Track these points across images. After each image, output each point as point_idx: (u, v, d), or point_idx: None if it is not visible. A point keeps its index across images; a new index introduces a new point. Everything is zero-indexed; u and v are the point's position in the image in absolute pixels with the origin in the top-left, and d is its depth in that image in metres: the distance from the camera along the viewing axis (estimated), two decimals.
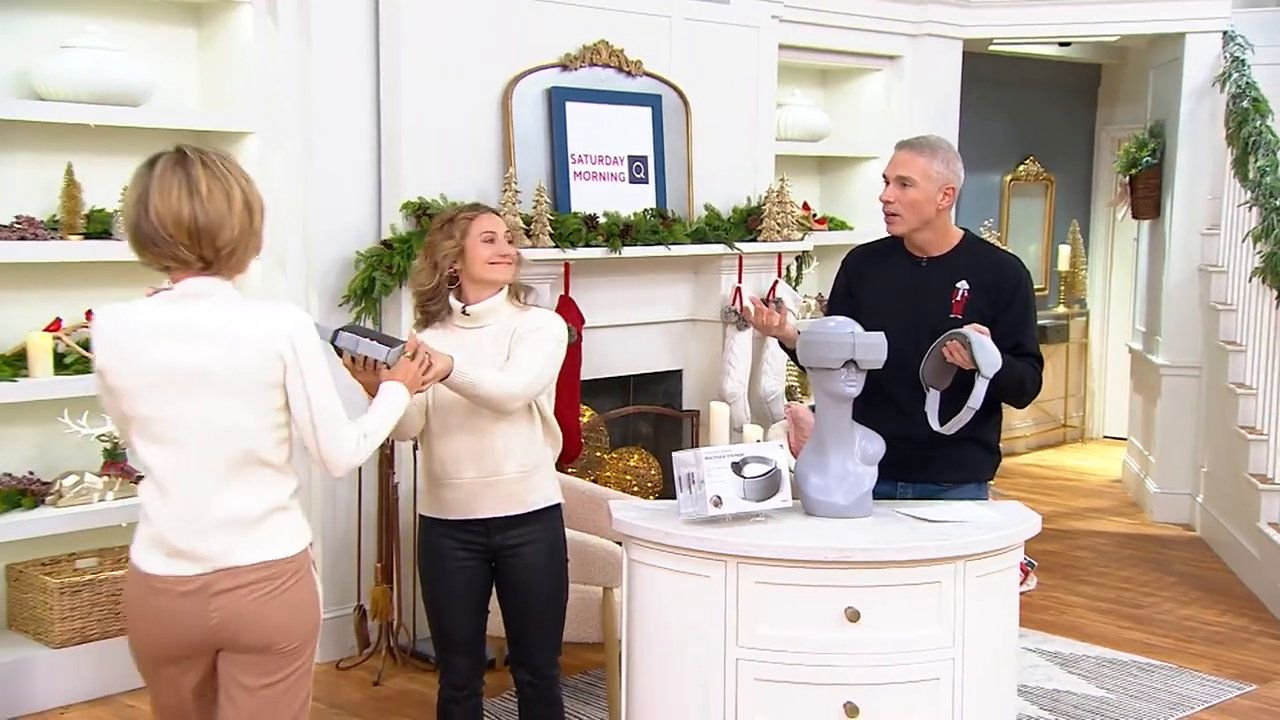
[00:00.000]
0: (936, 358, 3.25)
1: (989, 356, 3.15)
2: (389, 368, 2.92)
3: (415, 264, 3.46)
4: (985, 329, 3.24)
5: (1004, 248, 3.69)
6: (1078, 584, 5.99)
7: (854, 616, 2.82)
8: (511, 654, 3.49)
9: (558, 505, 3.42)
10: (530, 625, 3.40)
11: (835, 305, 3.61)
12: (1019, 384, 3.36)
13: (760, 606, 2.87)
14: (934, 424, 3.26)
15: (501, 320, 3.35)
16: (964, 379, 3.24)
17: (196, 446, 2.54)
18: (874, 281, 3.52)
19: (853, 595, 2.83)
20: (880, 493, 3.37)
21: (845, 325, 3.08)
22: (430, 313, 3.36)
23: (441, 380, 3.07)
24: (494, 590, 3.44)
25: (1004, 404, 3.47)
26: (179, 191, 2.50)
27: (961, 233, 3.51)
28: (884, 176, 3.48)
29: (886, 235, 3.57)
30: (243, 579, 2.56)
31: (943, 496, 3.36)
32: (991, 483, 3.53)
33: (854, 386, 3.07)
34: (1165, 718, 4.43)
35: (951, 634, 2.88)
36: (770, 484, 3.01)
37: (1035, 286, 3.79)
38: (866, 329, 3.11)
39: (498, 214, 3.48)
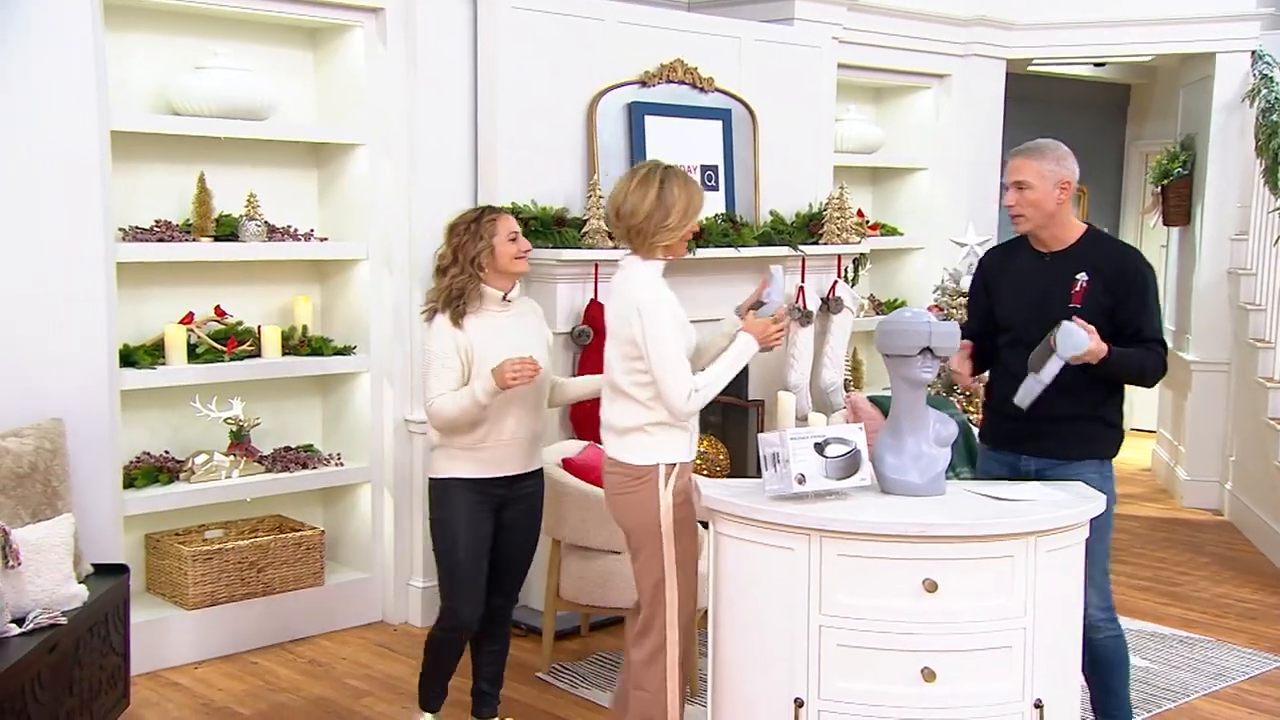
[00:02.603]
0: (1043, 347, 3.18)
1: (1070, 341, 3.10)
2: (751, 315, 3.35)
3: (441, 269, 3.52)
4: (1091, 327, 3.16)
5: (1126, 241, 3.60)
6: (1117, 563, 5.78)
7: (932, 587, 2.74)
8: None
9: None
10: None
11: (971, 301, 3.62)
12: (1137, 370, 3.31)
13: (842, 577, 2.80)
14: (1017, 399, 3.20)
15: (525, 305, 3.63)
16: (1072, 370, 3.17)
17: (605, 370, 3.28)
18: (1004, 277, 3.48)
19: (930, 567, 2.75)
20: (1005, 464, 3.36)
21: (922, 315, 3.01)
22: (461, 310, 3.46)
23: None
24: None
25: (1139, 384, 3.40)
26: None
27: (1084, 227, 3.42)
28: (1003, 185, 3.45)
29: (1015, 236, 3.52)
30: (609, 468, 3.25)
31: (1064, 471, 3.28)
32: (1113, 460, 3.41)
33: (929, 373, 2.99)
34: (1209, 687, 4.30)
35: (1023, 605, 2.79)
36: (850, 463, 2.94)
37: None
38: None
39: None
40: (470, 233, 3.48)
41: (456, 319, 3.45)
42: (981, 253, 6.23)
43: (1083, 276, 3.31)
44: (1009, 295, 3.41)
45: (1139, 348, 3.29)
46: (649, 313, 3.08)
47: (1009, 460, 3.38)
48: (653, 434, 3.18)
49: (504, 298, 3.52)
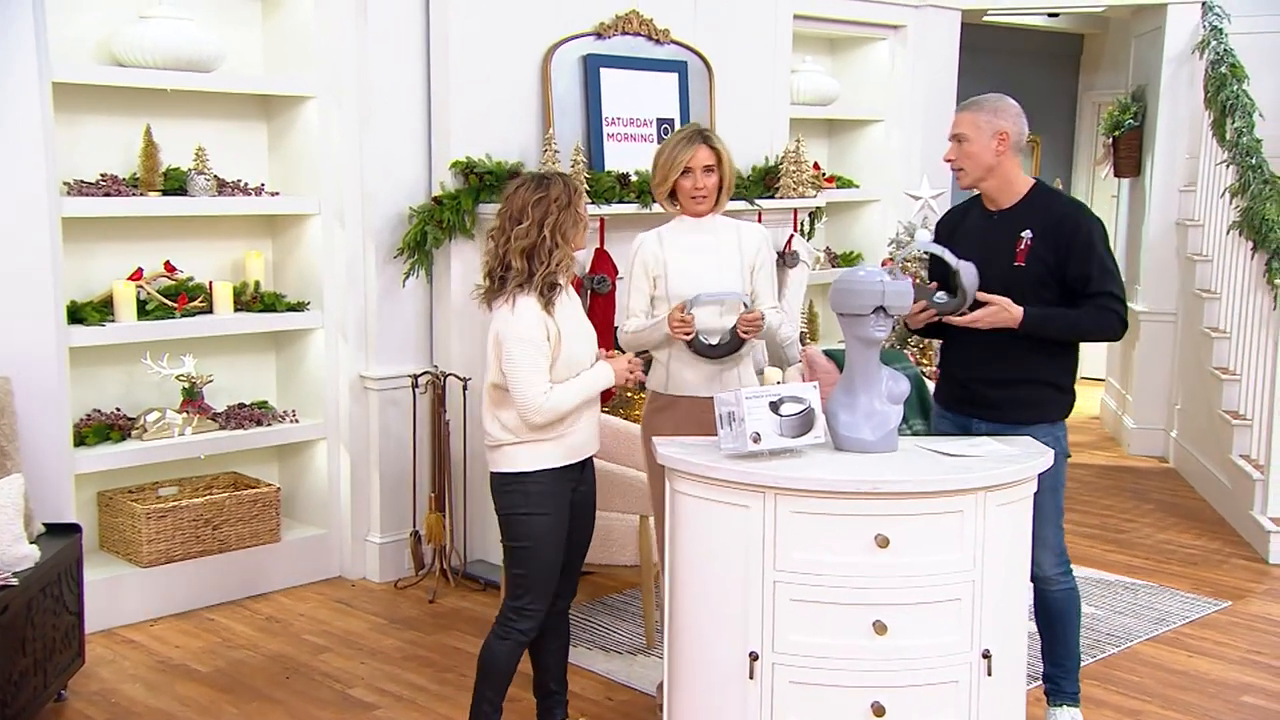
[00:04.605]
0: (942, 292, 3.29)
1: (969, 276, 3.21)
2: None
3: (526, 250, 3.08)
4: (996, 298, 3.22)
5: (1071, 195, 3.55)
6: (1065, 511, 5.93)
7: (883, 543, 2.78)
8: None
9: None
10: None
11: (931, 264, 3.51)
12: (1071, 327, 3.26)
13: (796, 533, 2.83)
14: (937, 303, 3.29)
15: None
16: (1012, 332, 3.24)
17: None
18: (955, 237, 3.40)
19: (882, 523, 2.79)
20: (958, 425, 3.38)
21: (875, 274, 3.02)
22: (554, 298, 3.10)
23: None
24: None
25: (1089, 341, 3.36)
26: None
27: (1032, 183, 3.37)
28: (948, 141, 3.41)
29: (972, 195, 3.49)
30: None
31: (1016, 434, 3.27)
32: (1065, 421, 3.42)
33: (882, 331, 3.01)
34: (1150, 631, 4.41)
35: (972, 558, 2.84)
36: (804, 421, 2.96)
37: None
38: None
39: None
40: (565, 206, 3.09)
41: (549, 306, 3.09)
42: (935, 205, 6.30)
43: (1027, 234, 3.28)
44: (960, 255, 3.31)
45: (1088, 303, 3.26)
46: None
47: (961, 422, 3.39)
48: None
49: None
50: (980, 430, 3.35)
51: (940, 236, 3.52)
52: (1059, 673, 3.50)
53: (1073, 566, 3.53)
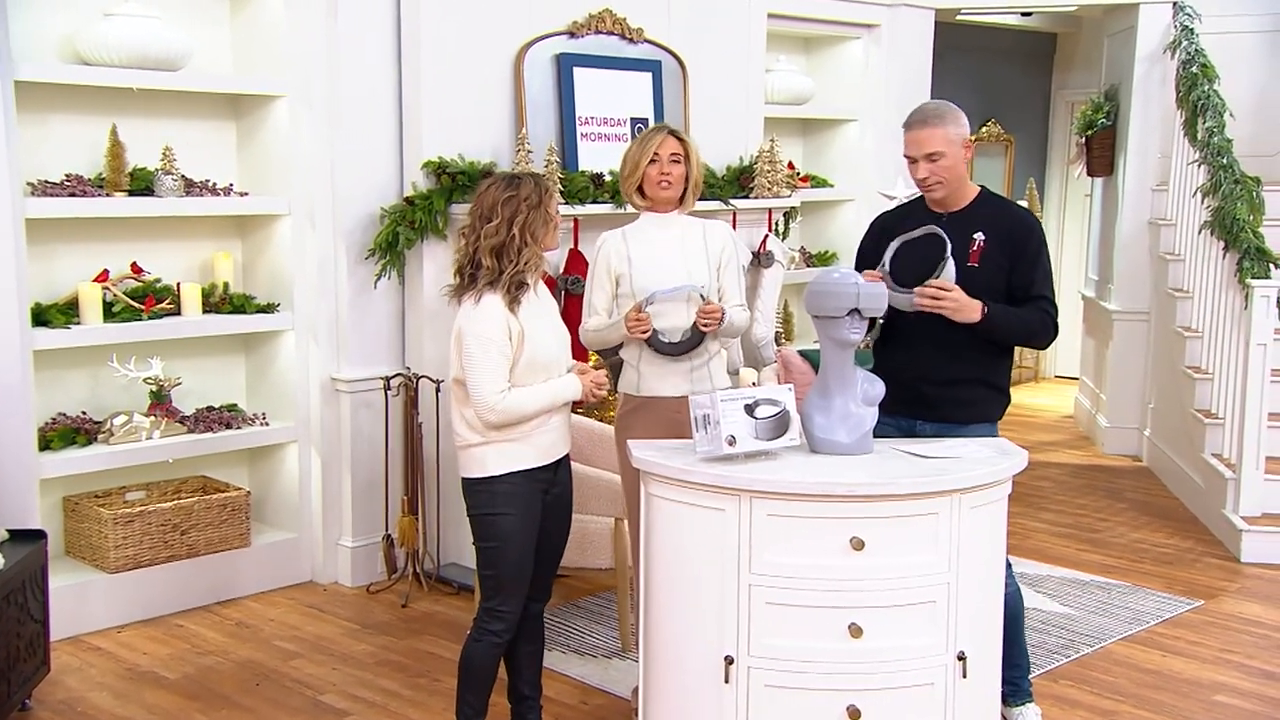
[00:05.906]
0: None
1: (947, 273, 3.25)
2: None
3: (496, 248, 3.08)
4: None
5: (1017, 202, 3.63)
6: (1040, 511, 5.99)
7: (858, 545, 2.78)
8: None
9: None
10: None
11: (860, 261, 3.52)
12: (1023, 328, 3.36)
13: (771, 537, 2.82)
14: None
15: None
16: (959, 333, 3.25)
17: None
18: (897, 236, 3.42)
19: (857, 526, 2.79)
20: (902, 429, 3.39)
21: (849, 276, 3.02)
22: (520, 297, 3.10)
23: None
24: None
25: (1029, 345, 3.46)
26: None
27: (977, 188, 3.44)
28: (908, 158, 3.38)
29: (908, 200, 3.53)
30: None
31: (959, 433, 3.32)
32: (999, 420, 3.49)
33: (857, 333, 3.01)
34: (1124, 631, 4.44)
35: (947, 560, 2.84)
36: (780, 424, 2.96)
37: None
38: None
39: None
40: (534, 205, 3.09)
41: (514, 304, 3.09)
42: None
43: (980, 236, 3.33)
44: (904, 255, 3.34)
45: (1028, 306, 3.33)
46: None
47: (904, 425, 3.39)
48: None
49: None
50: (925, 431, 3.37)
51: (875, 234, 3.54)
52: (1016, 674, 3.53)
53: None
